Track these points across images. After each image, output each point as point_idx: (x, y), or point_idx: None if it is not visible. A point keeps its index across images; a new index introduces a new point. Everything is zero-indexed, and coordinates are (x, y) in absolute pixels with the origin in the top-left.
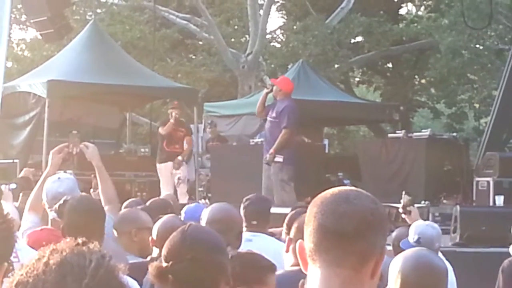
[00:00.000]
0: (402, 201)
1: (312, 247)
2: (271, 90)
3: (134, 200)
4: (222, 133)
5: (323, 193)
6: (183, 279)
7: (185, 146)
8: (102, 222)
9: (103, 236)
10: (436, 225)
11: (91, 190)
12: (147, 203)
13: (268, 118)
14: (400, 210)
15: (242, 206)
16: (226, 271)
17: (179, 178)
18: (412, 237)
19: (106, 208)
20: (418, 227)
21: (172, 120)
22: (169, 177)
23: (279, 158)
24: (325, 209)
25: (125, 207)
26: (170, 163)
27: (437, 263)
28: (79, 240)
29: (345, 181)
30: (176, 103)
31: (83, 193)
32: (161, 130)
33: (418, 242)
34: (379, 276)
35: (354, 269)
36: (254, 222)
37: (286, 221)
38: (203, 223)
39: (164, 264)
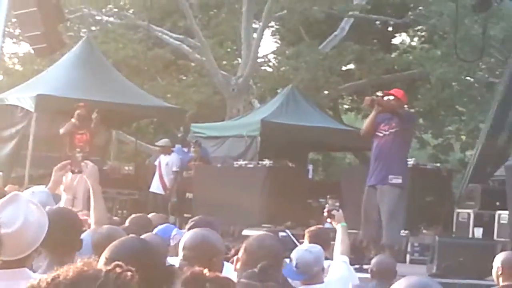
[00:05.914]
0: (326, 205)
1: None
2: (385, 106)
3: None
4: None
5: None
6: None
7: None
8: (79, 233)
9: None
10: (315, 249)
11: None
12: (127, 221)
13: (384, 133)
14: (325, 214)
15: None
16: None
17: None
18: (293, 263)
19: (93, 228)
20: (296, 252)
21: (73, 120)
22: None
23: (397, 180)
24: None
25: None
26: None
27: None
28: None
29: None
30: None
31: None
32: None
33: (297, 268)
34: None
35: None
36: None
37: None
38: (180, 250)
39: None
